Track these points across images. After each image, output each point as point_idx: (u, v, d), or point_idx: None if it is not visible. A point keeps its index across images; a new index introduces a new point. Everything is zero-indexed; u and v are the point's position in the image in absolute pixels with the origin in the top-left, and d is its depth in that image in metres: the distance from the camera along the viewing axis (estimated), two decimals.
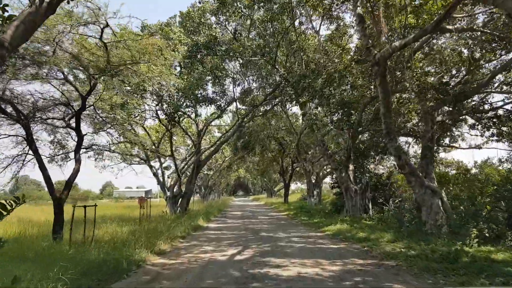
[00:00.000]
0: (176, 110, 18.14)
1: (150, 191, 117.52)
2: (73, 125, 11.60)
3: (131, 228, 13.31)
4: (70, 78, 11.86)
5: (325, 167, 30.33)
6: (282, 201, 42.11)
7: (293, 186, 74.75)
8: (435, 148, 13.86)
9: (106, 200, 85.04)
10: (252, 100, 23.82)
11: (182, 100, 18.45)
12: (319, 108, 16.57)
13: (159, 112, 19.21)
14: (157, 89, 17.62)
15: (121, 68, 11.38)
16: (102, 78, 11.67)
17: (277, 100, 24.22)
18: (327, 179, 37.03)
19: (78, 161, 11.65)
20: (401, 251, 7.82)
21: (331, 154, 17.49)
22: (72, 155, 18.60)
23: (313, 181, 29.34)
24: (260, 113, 25.10)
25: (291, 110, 30.40)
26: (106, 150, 18.07)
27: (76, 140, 12.17)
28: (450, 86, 13.23)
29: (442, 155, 30.20)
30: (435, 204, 10.41)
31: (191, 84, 18.04)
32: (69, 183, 11.37)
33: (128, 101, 16.42)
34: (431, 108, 12.56)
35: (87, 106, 12.48)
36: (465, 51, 13.25)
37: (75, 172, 11.42)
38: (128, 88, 16.11)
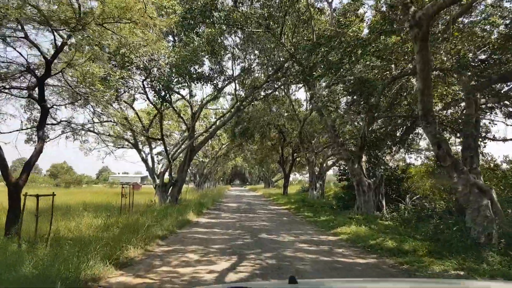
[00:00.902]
0: (167, 87, 15.74)
1: (146, 177, 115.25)
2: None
3: (109, 221, 11.20)
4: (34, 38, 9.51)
5: (329, 158, 28.11)
6: (281, 192, 39.99)
7: (291, 177, 72.94)
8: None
9: (101, 185, 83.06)
10: (253, 82, 21.42)
11: (174, 76, 16.03)
12: (332, 88, 14.19)
13: (147, 89, 16.79)
14: (145, 62, 15.21)
15: (93, 27, 8.99)
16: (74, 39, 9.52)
17: (280, 82, 21.87)
18: (330, 171, 34.88)
19: (40, 138, 9.50)
20: (458, 274, 5.61)
21: (342, 142, 15.21)
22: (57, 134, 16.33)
23: (316, 172, 27.14)
24: (261, 97, 22.68)
25: (294, 95, 28.02)
26: (81, 129, 15.66)
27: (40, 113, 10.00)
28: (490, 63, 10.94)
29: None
30: (484, 206, 8.18)
31: (184, 57, 15.62)
32: (29, 164, 9.21)
33: (110, 73, 14.03)
34: (474, 88, 10.24)
35: (54, 73, 10.25)
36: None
37: (37, 152, 9.27)
38: (108, 55, 13.73)
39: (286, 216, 15.99)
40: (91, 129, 17.53)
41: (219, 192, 42.12)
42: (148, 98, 16.86)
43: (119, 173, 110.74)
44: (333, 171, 41.53)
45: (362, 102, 12.55)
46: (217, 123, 23.26)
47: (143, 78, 15.48)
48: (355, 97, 12.34)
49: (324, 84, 14.94)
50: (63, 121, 12.81)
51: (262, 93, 22.74)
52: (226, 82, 19.54)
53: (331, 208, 18.35)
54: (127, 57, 14.90)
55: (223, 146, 39.98)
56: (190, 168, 44.04)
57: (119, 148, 24.47)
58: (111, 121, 16.82)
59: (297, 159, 35.85)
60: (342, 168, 19.73)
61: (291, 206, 20.55)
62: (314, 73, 12.03)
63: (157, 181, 21.30)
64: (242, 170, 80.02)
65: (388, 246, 7.81)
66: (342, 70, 11.11)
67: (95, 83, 12.82)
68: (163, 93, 16.19)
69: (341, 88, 13.78)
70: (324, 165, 27.25)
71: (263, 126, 30.65)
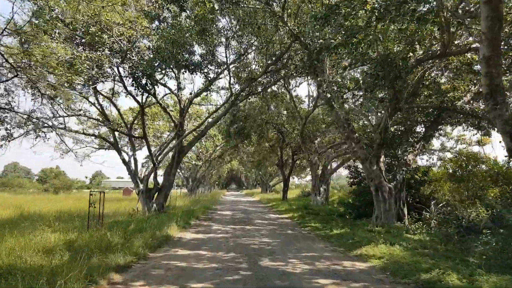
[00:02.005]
0: (148, 74, 13.09)
1: None
2: None
3: (67, 237, 8.67)
4: None
5: (334, 159, 25.53)
6: (279, 197, 37.33)
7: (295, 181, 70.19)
8: None
9: (94, 190, 79.72)
10: (249, 74, 18.84)
11: (157, 61, 13.38)
12: (349, 70, 11.59)
13: (125, 77, 14.08)
14: (121, 43, 12.56)
15: None
16: None
17: (280, 75, 19.32)
18: (333, 174, 32.22)
19: None
20: None
21: (358, 139, 12.60)
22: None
23: (319, 175, 24.51)
24: (259, 90, 20.07)
25: (295, 90, 25.45)
26: (42, 125, 12.93)
27: None
28: None
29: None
30: None
31: (168, 38, 13.00)
32: None
33: (76, 56, 11.37)
34: None
35: None
36: None
37: None
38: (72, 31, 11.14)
39: (291, 227, 13.32)
40: (60, 126, 14.83)
41: (213, 197, 39.39)
42: (125, 87, 14.16)
43: (113, 178, 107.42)
44: (335, 175, 39.01)
45: (386, 87, 9.98)
46: (209, 120, 20.59)
47: (118, 61, 12.80)
48: (376, 80, 9.74)
49: (338, 65, 12.36)
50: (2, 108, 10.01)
51: (260, 88, 20.14)
52: (219, 71, 16.91)
53: (341, 217, 15.73)
54: (98, 37, 12.31)
55: (218, 148, 37.31)
56: (182, 172, 41.29)
57: (99, 149, 21.72)
58: (79, 115, 14.12)
59: (297, 162, 33.27)
60: (353, 170, 17.14)
61: (293, 215, 17.90)
62: (316, 62, 9.39)
63: (141, 186, 18.62)
64: (238, 174, 77.31)
65: (457, 285, 5.18)
66: (367, 41, 8.52)
67: (57, 68, 10.20)
68: (143, 81, 13.53)
69: (361, 70, 11.24)
70: (329, 167, 24.64)
71: (261, 125, 28.10)
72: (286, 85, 23.33)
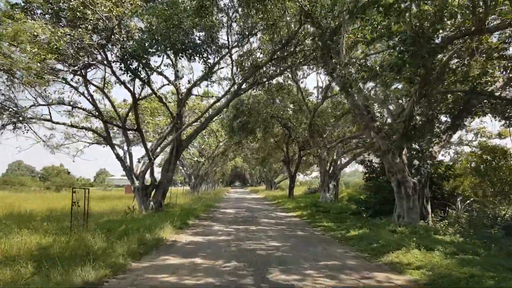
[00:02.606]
0: (138, 56, 11.61)
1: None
2: None
3: (44, 241, 7.39)
4: None
5: (344, 154, 23.97)
6: (285, 194, 35.85)
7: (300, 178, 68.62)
8: None
9: (95, 188, 79.17)
10: (254, 61, 17.34)
11: (149, 41, 11.89)
12: (371, 47, 10.02)
13: (113, 61, 12.59)
14: (106, 20, 11.10)
15: None
16: None
17: (287, 64, 17.81)
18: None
19: None
20: None
21: (379, 128, 11.05)
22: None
23: (327, 171, 22.97)
24: (264, 80, 18.54)
25: (302, 82, 23.92)
26: (19, 117, 11.51)
27: None
28: None
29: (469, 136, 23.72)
30: None
31: (161, 16, 11.55)
32: None
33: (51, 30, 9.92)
34: None
35: None
36: None
37: None
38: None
39: (301, 228, 11.80)
40: (42, 117, 13.43)
41: (216, 195, 37.98)
42: (113, 72, 12.68)
43: (118, 175, 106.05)
44: (348, 168, 37.46)
45: (418, 65, 8.42)
46: (210, 112, 19.12)
47: (104, 42, 11.32)
48: (405, 57, 8.18)
49: (355, 47, 10.81)
50: None
51: (265, 80, 18.61)
52: (220, 56, 15.42)
53: (354, 215, 14.22)
54: (80, 12, 10.86)
55: (220, 144, 35.87)
56: (184, 169, 39.90)
57: (91, 144, 20.33)
58: (63, 103, 12.69)
59: (304, 158, 31.73)
60: (368, 164, 15.59)
61: (302, 213, 16.39)
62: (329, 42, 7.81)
63: (136, 183, 17.23)
64: (243, 171, 75.92)
65: None
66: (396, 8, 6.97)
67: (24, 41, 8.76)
68: (134, 65, 12.06)
69: (386, 46, 9.68)
70: (338, 162, 23.09)
71: (266, 119, 26.61)
72: (293, 76, 21.81)
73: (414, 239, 7.99)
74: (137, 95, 14.96)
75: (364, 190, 18.93)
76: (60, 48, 9.87)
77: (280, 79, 23.13)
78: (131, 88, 14.07)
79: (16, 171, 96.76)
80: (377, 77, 9.32)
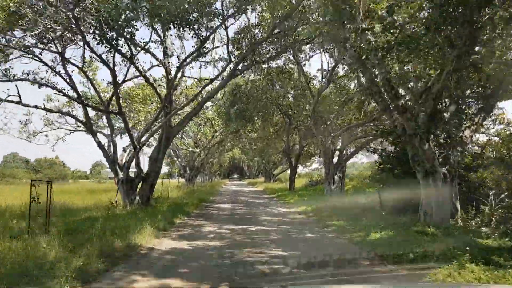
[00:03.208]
0: (115, 23, 9.61)
1: None
2: None
3: None
4: None
5: (352, 142, 22.11)
6: (285, 187, 34.08)
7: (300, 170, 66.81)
8: None
9: (90, 180, 77.38)
10: (252, 39, 15.36)
11: (128, 6, 9.86)
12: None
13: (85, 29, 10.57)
14: None
15: None
16: None
17: (288, 41, 15.89)
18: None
19: None
20: None
21: (405, 107, 9.13)
22: None
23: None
24: (264, 59, 16.55)
25: (304, 65, 21.91)
26: None
27: None
28: None
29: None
30: None
31: None
32: None
33: None
34: None
35: None
36: None
37: None
38: None
39: (308, 228, 9.93)
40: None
41: (212, 187, 36.17)
42: (86, 43, 10.67)
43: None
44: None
45: (464, 22, 6.50)
46: (206, 94, 17.19)
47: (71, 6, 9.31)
48: (448, 12, 6.27)
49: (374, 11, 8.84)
50: None
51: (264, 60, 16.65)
52: (213, 28, 13.42)
53: (368, 212, 12.38)
54: None
55: (217, 134, 33.93)
56: (179, 160, 37.99)
57: (72, 132, 18.38)
58: (27, 80, 10.70)
59: (305, 148, 29.85)
60: (381, 153, 13.70)
61: (307, 208, 14.56)
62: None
63: (120, 174, 15.40)
64: (241, 163, 74.19)
65: None
66: None
67: None
68: (110, 34, 10.06)
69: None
70: (344, 152, 21.24)
71: (265, 106, 24.68)
72: (295, 55, 19.84)
73: (430, 237, 6.17)
74: (121, 76, 13.03)
75: (373, 182, 17.11)
76: (12, 9, 7.87)
77: (280, 62, 21.27)
78: (110, 65, 12.07)
79: (11, 163, 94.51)
80: (405, 44, 7.37)
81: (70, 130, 18.31)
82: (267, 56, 16.51)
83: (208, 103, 34.33)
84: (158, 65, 15.41)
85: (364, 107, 20.26)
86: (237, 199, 21.66)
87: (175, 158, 38.30)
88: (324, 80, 21.33)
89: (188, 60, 14.65)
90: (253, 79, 24.82)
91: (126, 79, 14.80)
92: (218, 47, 17.54)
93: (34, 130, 17.54)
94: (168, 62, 15.09)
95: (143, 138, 15.89)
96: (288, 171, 65.66)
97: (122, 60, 12.56)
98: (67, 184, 59.94)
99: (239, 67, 15.56)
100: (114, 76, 12.19)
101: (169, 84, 15.15)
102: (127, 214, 12.15)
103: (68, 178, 77.73)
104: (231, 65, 15.27)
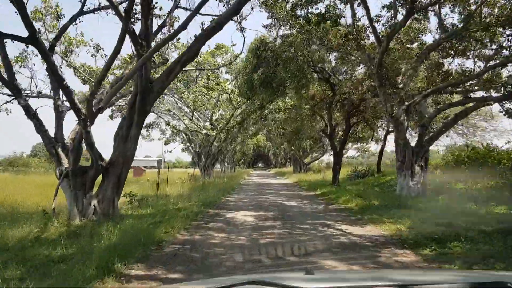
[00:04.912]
0: None
1: (161, 161, 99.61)
2: None
3: None
4: None
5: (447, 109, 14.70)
6: (322, 179, 27.03)
7: (331, 158, 58.71)
8: None
9: (15, 170, 72.33)
10: None
11: None
12: None
13: None
14: None
15: None
16: None
17: None
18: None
19: None
20: None
21: None
22: None
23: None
24: None
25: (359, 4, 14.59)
26: None
27: None
28: None
29: None
30: None
31: None
32: None
33: None
34: None
35: None
36: None
37: None
38: None
39: None
40: None
41: (232, 179, 29.56)
42: None
43: (141, 157, 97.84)
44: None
45: None
46: (205, 26, 10.27)
47: None
48: None
49: None
50: None
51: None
52: None
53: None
54: None
55: (237, 113, 27.20)
56: (192, 145, 31.55)
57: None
58: None
59: (355, 125, 22.43)
60: None
61: (400, 227, 7.47)
62: None
63: (65, 163, 9.04)
64: (266, 151, 67.27)
65: None
66: None
67: None
68: None
69: None
70: (431, 124, 13.86)
71: (301, 69, 17.69)
72: None
73: None
74: None
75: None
76: None
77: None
78: None
79: (41, 152, 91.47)
80: None
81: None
82: None
83: (225, 73, 27.51)
84: None
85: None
86: (263, 199, 14.76)
87: (188, 144, 31.97)
88: (393, 20, 13.91)
89: None
90: (283, 34, 18.04)
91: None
92: None
93: None
94: None
95: (102, 100, 9.27)
96: (321, 160, 58.43)
97: None
98: None
99: None
100: None
101: (145, 9, 8.43)
102: (67, 238, 5.94)
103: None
104: None
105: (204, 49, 27.33)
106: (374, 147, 42.33)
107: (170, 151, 74.70)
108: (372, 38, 15.46)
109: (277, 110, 27.59)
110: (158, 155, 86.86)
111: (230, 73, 26.44)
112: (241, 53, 14.28)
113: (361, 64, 18.82)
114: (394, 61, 15.01)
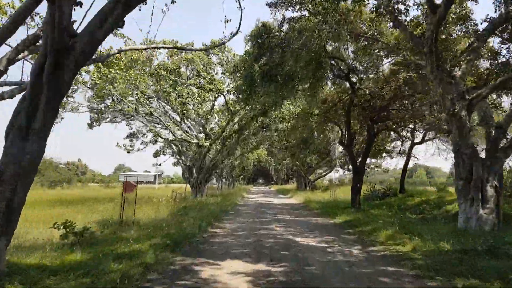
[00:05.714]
0: None
1: (161, 175, 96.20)
2: None
3: None
4: None
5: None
6: (331, 198, 22.78)
7: (335, 175, 54.31)
8: None
9: (100, 185, 69.34)
10: None
11: None
12: None
13: None
14: None
15: None
16: None
17: None
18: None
19: None
20: None
21: None
22: None
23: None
24: None
25: None
26: None
27: None
28: None
29: None
30: None
31: None
32: None
33: None
34: None
35: None
36: None
37: None
38: None
39: None
40: None
41: (227, 197, 25.19)
42: None
43: (140, 171, 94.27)
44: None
45: None
46: None
47: None
48: None
49: None
50: None
51: None
52: None
53: None
54: None
55: (234, 119, 23.14)
56: (182, 158, 27.33)
57: None
58: None
59: (377, 134, 18.24)
60: None
61: None
62: None
63: None
64: (267, 166, 62.88)
65: None
66: None
67: None
68: None
69: None
70: (494, 133, 9.72)
71: (315, 57, 13.80)
72: None
73: None
74: None
75: None
76: None
77: None
78: None
79: (43, 170, 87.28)
80: None
81: None
82: None
83: (221, 73, 23.57)
84: None
85: None
86: (267, 233, 10.25)
87: (177, 157, 27.76)
88: None
89: None
90: (291, 17, 14.29)
91: None
92: None
93: None
94: None
95: None
96: (326, 177, 54.00)
97: None
98: (67, 189, 51.10)
99: None
100: None
101: None
102: None
103: (75, 182, 69.19)
104: None
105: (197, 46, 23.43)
106: (385, 162, 38.19)
107: (159, 165, 69.84)
108: (412, 13, 11.52)
109: (280, 119, 23.62)
110: (158, 170, 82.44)
111: (227, 71, 22.49)
112: (237, 32, 10.21)
113: (389, 56, 14.94)
114: (444, 41, 11.02)
